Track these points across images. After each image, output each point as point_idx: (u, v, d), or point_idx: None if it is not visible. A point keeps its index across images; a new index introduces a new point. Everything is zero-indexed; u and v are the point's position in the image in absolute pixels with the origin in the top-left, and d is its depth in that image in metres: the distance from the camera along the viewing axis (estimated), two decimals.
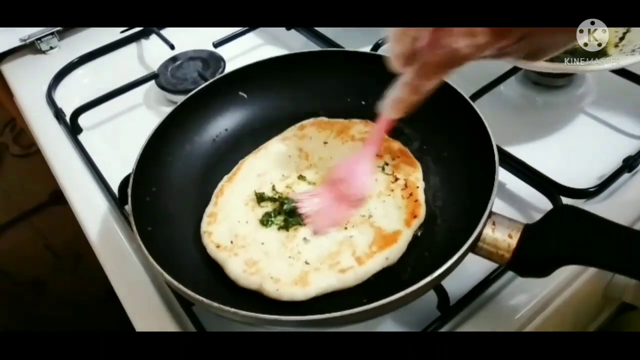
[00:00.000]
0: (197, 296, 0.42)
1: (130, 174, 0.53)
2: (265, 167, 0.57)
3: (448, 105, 0.55)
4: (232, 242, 0.50)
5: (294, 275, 0.47)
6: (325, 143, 0.59)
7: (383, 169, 0.56)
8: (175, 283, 0.43)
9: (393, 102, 0.46)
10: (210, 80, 0.62)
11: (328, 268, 0.48)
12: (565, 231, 0.43)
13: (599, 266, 0.43)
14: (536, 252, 0.43)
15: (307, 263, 0.48)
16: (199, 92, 0.61)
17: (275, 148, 0.59)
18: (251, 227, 0.52)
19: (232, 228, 0.52)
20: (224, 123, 0.63)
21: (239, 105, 0.63)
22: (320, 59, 0.64)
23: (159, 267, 0.44)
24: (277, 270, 0.48)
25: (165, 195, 0.55)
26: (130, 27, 0.87)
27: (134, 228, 0.47)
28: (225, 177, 0.57)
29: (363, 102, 0.62)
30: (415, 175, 0.55)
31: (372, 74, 0.60)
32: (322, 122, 0.62)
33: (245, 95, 0.64)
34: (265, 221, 0.52)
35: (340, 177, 0.53)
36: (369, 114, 0.60)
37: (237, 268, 0.48)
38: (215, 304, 0.41)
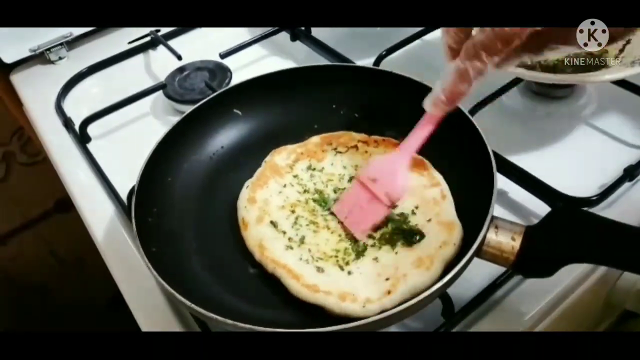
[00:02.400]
0: (210, 314, 0.42)
1: (134, 189, 0.53)
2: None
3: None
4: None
5: (438, 240, 0.49)
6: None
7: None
8: (188, 303, 0.43)
9: (439, 94, 0.44)
10: (204, 100, 0.62)
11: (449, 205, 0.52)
12: (566, 230, 0.44)
13: (601, 262, 0.44)
14: (540, 252, 0.44)
15: (429, 220, 0.51)
16: (194, 112, 0.61)
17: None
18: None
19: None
20: (220, 140, 0.63)
21: (234, 123, 0.64)
22: (312, 75, 0.64)
23: (171, 290, 0.44)
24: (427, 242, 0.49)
25: (166, 214, 0.55)
26: (141, 27, 0.88)
27: (141, 251, 0.47)
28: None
29: (356, 115, 0.63)
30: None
31: (364, 87, 0.62)
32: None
33: (239, 112, 0.64)
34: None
35: (374, 177, 0.51)
36: (362, 126, 0.62)
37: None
38: (230, 321, 0.41)
